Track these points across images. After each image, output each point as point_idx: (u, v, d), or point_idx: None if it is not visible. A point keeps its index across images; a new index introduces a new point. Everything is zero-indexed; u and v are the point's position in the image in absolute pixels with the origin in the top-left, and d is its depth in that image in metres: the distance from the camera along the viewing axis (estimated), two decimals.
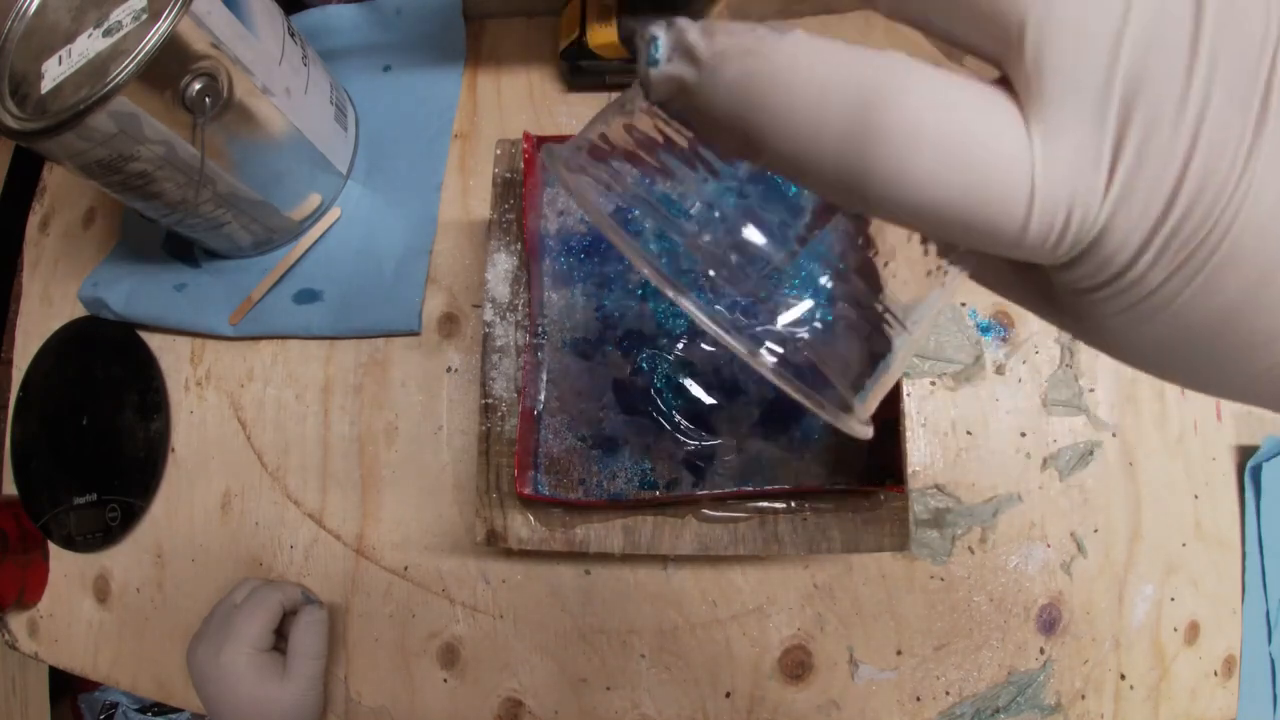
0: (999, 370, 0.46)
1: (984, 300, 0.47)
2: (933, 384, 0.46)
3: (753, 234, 0.16)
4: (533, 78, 0.54)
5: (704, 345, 0.42)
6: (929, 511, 0.44)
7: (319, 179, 0.51)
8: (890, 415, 0.38)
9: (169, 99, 0.39)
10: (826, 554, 0.41)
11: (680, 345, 0.42)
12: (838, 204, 0.15)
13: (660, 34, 0.13)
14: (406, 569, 0.47)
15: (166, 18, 0.37)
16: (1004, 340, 0.47)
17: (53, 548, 0.55)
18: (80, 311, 0.56)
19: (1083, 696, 0.43)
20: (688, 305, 0.15)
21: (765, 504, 0.38)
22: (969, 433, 0.45)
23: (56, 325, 0.57)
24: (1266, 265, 0.11)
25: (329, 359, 0.51)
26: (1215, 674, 0.45)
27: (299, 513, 0.49)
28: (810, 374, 0.16)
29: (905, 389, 0.45)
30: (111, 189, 0.43)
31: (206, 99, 0.40)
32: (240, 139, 0.44)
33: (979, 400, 0.46)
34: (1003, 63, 0.12)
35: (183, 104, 0.39)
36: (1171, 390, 0.47)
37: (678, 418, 0.41)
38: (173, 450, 0.53)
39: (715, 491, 0.40)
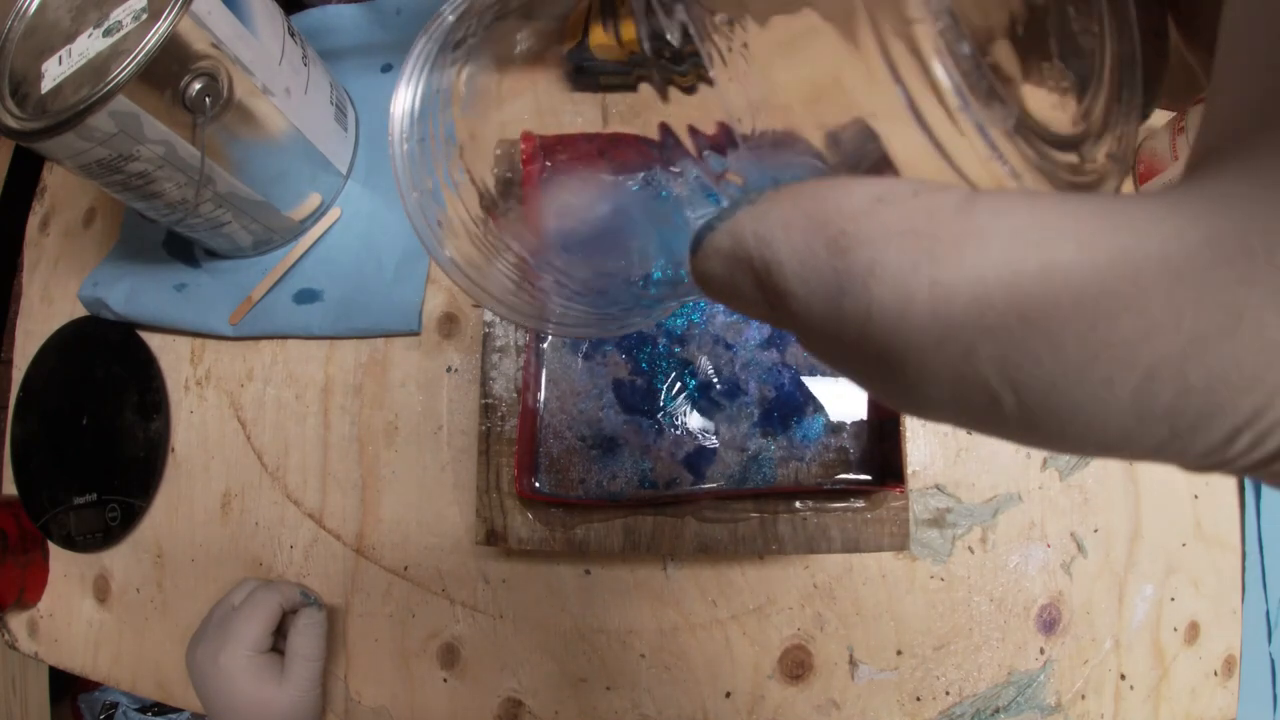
0: None
1: None
2: None
3: None
4: (534, 77, 0.54)
5: (704, 346, 0.42)
6: (929, 511, 0.44)
7: (319, 179, 0.51)
8: (890, 415, 0.38)
9: (169, 99, 0.39)
10: (826, 554, 0.41)
11: (680, 345, 0.42)
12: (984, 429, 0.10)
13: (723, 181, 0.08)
14: (406, 569, 0.47)
15: (166, 18, 0.37)
16: None
17: (53, 548, 0.55)
18: (80, 311, 0.56)
19: (1083, 696, 0.43)
20: None
21: (765, 504, 0.38)
22: (969, 432, 0.45)
23: (56, 325, 0.57)
24: None
25: (329, 359, 0.51)
26: (1215, 674, 0.45)
27: (299, 513, 0.49)
28: None
29: None
30: (111, 189, 0.43)
31: (206, 99, 0.40)
32: (240, 139, 0.44)
33: None
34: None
35: (183, 104, 0.39)
36: None
37: (678, 417, 0.41)
38: (173, 450, 0.53)
39: (715, 490, 0.40)
